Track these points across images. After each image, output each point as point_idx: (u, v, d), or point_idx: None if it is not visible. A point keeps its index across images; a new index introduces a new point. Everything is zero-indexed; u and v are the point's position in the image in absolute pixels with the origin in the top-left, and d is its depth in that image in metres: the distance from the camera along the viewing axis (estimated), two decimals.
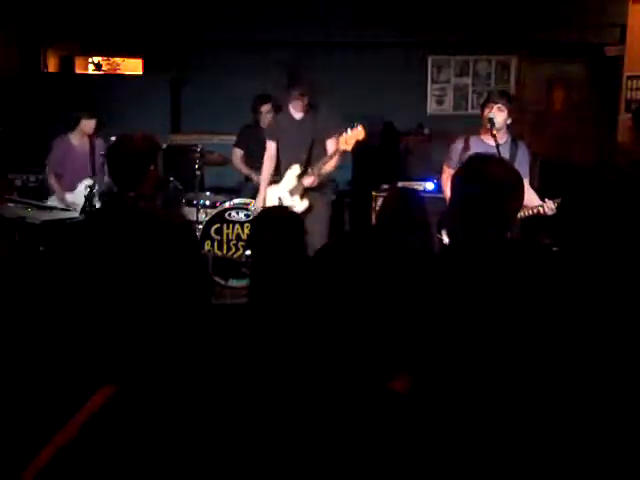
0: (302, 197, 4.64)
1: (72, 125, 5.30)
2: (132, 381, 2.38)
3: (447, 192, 4.46)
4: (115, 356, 2.45)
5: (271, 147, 4.86)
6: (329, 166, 4.59)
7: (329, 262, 1.49)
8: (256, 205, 4.94)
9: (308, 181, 4.56)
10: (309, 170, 4.58)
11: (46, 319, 3.05)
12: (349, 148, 4.42)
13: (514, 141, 4.25)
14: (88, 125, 5.29)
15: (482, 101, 4.50)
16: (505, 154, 4.07)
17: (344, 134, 4.38)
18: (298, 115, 4.68)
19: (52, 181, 5.25)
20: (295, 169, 4.65)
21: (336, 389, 1.87)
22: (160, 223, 2.63)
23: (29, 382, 2.58)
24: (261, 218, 2.58)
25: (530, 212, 4.16)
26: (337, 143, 4.46)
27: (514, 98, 4.70)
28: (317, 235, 4.18)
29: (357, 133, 4.37)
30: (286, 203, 4.63)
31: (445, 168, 4.53)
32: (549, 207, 4.06)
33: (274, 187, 4.78)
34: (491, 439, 1.78)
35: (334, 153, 4.52)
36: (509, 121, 4.27)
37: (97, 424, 2.13)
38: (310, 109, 4.68)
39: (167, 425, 2.20)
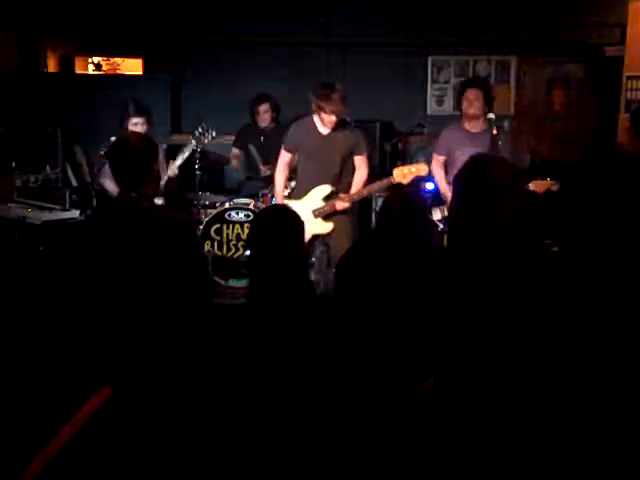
0: (326, 219, 4.41)
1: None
2: (131, 382, 2.38)
3: (435, 174, 4.70)
4: (115, 357, 2.45)
5: (286, 157, 4.52)
6: (368, 193, 4.42)
7: (354, 268, 1.49)
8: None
9: (341, 206, 4.33)
10: (341, 194, 4.34)
11: (46, 319, 3.05)
12: (405, 182, 4.21)
13: (492, 130, 4.23)
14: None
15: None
16: (484, 143, 4.15)
17: (402, 167, 4.25)
18: (325, 129, 4.30)
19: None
20: (323, 189, 4.37)
21: (339, 390, 1.87)
22: (163, 223, 2.63)
23: (29, 382, 2.58)
24: (260, 218, 2.58)
25: None
26: (392, 177, 4.26)
27: (492, 87, 4.76)
28: (343, 249, 3.85)
29: (419, 169, 4.22)
30: (308, 224, 4.21)
31: (434, 155, 4.76)
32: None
33: (294, 203, 4.32)
34: (492, 440, 1.79)
35: (383, 184, 4.33)
36: (488, 112, 4.33)
37: (95, 426, 2.13)
38: (339, 125, 4.31)
39: (165, 426, 2.20)
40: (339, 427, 1.52)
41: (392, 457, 1.40)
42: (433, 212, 4.57)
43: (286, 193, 4.73)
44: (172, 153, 5.54)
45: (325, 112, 4.16)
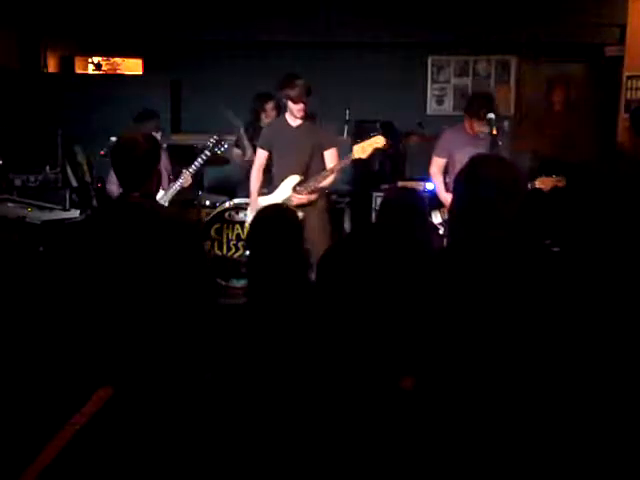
0: (297, 209, 4.33)
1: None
2: (133, 382, 2.38)
3: (434, 178, 4.73)
4: (116, 356, 2.45)
5: (261, 156, 4.62)
6: (327, 182, 4.39)
7: (334, 264, 1.49)
8: (248, 218, 4.72)
9: (299, 199, 4.35)
10: (303, 186, 4.37)
11: (47, 319, 3.05)
12: (365, 156, 4.23)
13: (494, 136, 4.23)
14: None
15: (471, 104, 4.53)
16: (485, 144, 4.16)
17: (361, 143, 4.21)
18: (295, 122, 4.45)
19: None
20: (292, 179, 4.43)
21: (337, 388, 1.87)
22: (166, 223, 2.63)
23: (29, 382, 2.58)
24: (259, 217, 2.58)
25: None
26: (339, 158, 4.31)
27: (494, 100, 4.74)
28: (318, 245, 3.84)
29: (376, 140, 4.20)
30: None
31: (433, 157, 4.73)
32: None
33: (264, 199, 4.50)
34: (490, 437, 1.79)
35: (345, 162, 4.35)
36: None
37: (96, 425, 2.13)
38: (308, 116, 4.45)
39: (166, 425, 2.20)
40: (334, 422, 1.53)
41: (377, 450, 1.40)
42: (433, 215, 4.54)
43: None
44: (173, 153, 5.55)
45: (293, 101, 4.31)
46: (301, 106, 4.34)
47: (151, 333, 2.45)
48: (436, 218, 4.53)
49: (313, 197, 4.40)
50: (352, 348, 1.43)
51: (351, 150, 4.28)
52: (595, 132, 7.16)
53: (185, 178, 4.92)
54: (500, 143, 4.11)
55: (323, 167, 4.40)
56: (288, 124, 4.49)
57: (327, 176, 4.35)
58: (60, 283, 2.76)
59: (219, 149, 5.05)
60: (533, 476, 1.78)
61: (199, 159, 4.97)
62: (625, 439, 1.97)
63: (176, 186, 4.90)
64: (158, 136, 4.62)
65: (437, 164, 4.69)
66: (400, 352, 1.44)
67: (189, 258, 2.56)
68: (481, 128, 4.43)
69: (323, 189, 4.47)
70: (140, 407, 2.28)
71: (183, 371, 2.36)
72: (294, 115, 4.41)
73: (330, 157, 4.41)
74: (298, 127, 4.46)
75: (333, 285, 1.43)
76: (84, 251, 2.62)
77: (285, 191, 4.47)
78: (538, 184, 4.36)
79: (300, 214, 4.29)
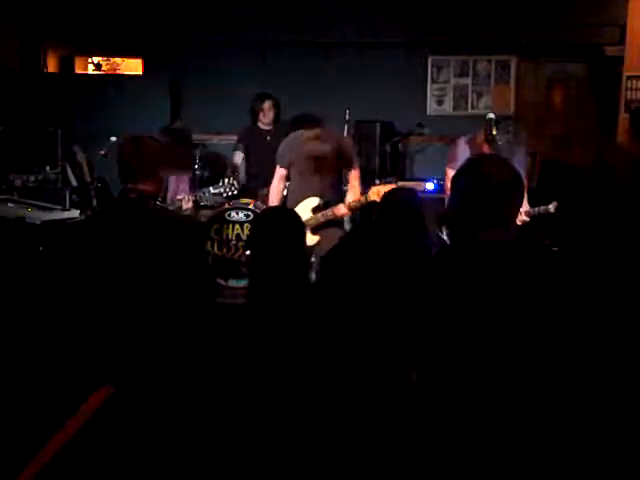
0: (313, 231, 4.48)
1: None
2: (132, 381, 2.38)
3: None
4: (116, 356, 2.45)
5: (281, 173, 4.67)
6: (341, 213, 4.48)
7: (337, 264, 1.50)
8: None
9: (342, 211, 4.44)
10: (321, 213, 4.44)
11: (46, 319, 3.05)
12: (378, 199, 4.21)
13: (510, 143, 4.22)
14: None
15: (491, 121, 4.41)
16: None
17: (376, 187, 4.31)
18: (313, 144, 4.48)
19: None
20: (311, 202, 4.49)
21: (337, 388, 1.87)
22: (165, 223, 2.63)
23: (29, 382, 2.58)
24: (261, 218, 2.58)
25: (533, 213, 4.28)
26: (362, 196, 4.37)
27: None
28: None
29: (390, 188, 4.24)
30: None
31: (448, 170, 4.59)
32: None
33: None
34: (490, 436, 1.79)
35: (358, 202, 4.41)
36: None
37: (95, 425, 2.13)
38: (324, 137, 4.49)
39: (166, 425, 2.20)
40: (335, 422, 1.53)
41: (378, 451, 1.40)
42: (443, 230, 4.46)
43: None
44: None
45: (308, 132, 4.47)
46: (313, 133, 4.46)
47: (149, 333, 2.45)
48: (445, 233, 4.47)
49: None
50: (352, 348, 1.43)
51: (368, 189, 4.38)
52: (595, 132, 7.16)
53: (186, 202, 4.83)
54: (500, 143, 4.10)
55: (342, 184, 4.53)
56: (307, 146, 4.50)
57: (342, 210, 4.46)
58: (60, 283, 2.76)
59: (231, 190, 4.97)
60: (535, 473, 1.78)
61: (207, 191, 4.92)
62: (630, 440, 1.98)
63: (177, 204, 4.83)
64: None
65: (450, 177, 4.57)
66: (404, 349, 1.44)
67: (187, 258, 2.57)
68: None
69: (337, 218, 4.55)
70: (138, 406, 2.28)
71: (181, 370, 2.36)
72: (309, 139, 4.49)
73: (352, 178, 4.55)
74: (318, 149, 4.49)
75: (336, 284, 1.44)
76: (83, 251, 2.62)
77: (303, 213, 4.43)
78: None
79: (317, 238, 4.46)
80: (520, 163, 4.12)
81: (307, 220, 4.40)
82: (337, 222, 4.58)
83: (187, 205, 4.75)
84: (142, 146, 2.66)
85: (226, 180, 4.95)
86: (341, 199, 4.56)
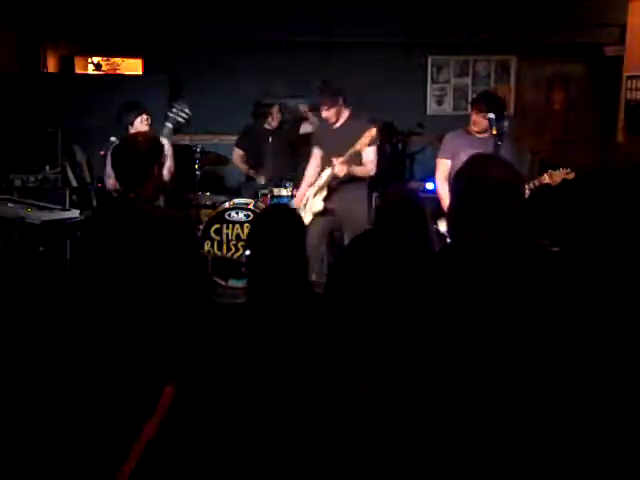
0: (322, 198, 4.65)
1: None
2: (133, 381, 2.38)
3: (439, 187, 4.72)
4: (115, 356, 2.45)
5: (317, 154, 4.87)
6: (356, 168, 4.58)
7: (342, 268, 1.50)
8: (295, 203, 4.91)
9: (339, 169, 4.50)
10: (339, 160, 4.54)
11: (46, 319, 3.05)
12: (363, 149, 4.48)
13: (499, 136, 4.21)
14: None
15: (476, 97, 4.67)
16: (489, 146, 4.15)
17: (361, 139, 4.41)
18: (335, 123, 4.70)
19: None
20: (326, 172, 4.63)
21: (337, 389, 1.87)
22: (160, 224, 2.63)
23: (29, 382, 2.58)
24: (261, 218, 2.58)
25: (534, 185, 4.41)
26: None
27: (502, 100, 4.76)
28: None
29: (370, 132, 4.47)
30: (308, 203, 4.74)
31: (437, 161, 4.72)
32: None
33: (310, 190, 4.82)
34: (492, 436, 1.79)
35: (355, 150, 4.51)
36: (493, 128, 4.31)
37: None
38: (345, 116, 4.71)
39: (166, 425, 2.20)
40: (336, 424, 1.52)
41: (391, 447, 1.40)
42: (439, 223, 4.47)
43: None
44: (175, 153, 5.55)
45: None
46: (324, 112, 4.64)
47: (147, 332, 2.45)
48: (442, 226, 4.47)
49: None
50: (353, 348, 1.43)
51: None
52: (595, 132, 7.16)
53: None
54: (500, 143, 4.10)
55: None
56: (330, 125, 4.73)
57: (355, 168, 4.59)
58: (60, 282, 2.76)
59: (181, 116, 4.76)
60: (540, 472, 1.78)
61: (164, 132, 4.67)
62: (633, 440, 1.98)
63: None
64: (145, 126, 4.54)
65: (442, 168, 4.62)
66: (414, 350, 1.44)
67: (182, 259, 2.56)
68: (479, 122, 4.45)
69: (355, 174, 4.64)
70: (136, 405, 2.28)
71: (178, 370, 2.36)
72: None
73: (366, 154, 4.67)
74: (338, 128, 4.71)
75: (342, 288, 1.43)
76: (81, 252, 2.63)
77: (321, 181, 4.68)
78: (547, 179, 4.43)
79: (321, 204, 4.64)
80: (507, 152, 4.13)
81: (320, 186, 4.65)
82: (360, 190, 4.72)
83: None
84: (132, 152, 2.64)
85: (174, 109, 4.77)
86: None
